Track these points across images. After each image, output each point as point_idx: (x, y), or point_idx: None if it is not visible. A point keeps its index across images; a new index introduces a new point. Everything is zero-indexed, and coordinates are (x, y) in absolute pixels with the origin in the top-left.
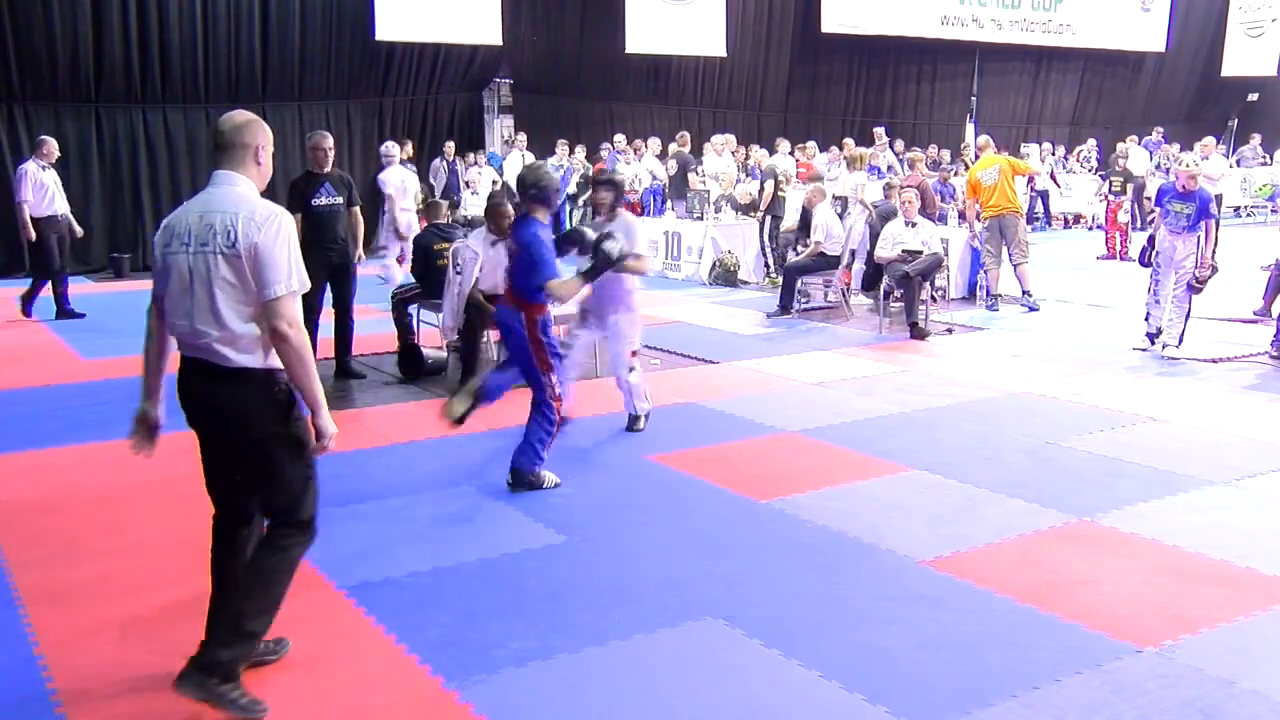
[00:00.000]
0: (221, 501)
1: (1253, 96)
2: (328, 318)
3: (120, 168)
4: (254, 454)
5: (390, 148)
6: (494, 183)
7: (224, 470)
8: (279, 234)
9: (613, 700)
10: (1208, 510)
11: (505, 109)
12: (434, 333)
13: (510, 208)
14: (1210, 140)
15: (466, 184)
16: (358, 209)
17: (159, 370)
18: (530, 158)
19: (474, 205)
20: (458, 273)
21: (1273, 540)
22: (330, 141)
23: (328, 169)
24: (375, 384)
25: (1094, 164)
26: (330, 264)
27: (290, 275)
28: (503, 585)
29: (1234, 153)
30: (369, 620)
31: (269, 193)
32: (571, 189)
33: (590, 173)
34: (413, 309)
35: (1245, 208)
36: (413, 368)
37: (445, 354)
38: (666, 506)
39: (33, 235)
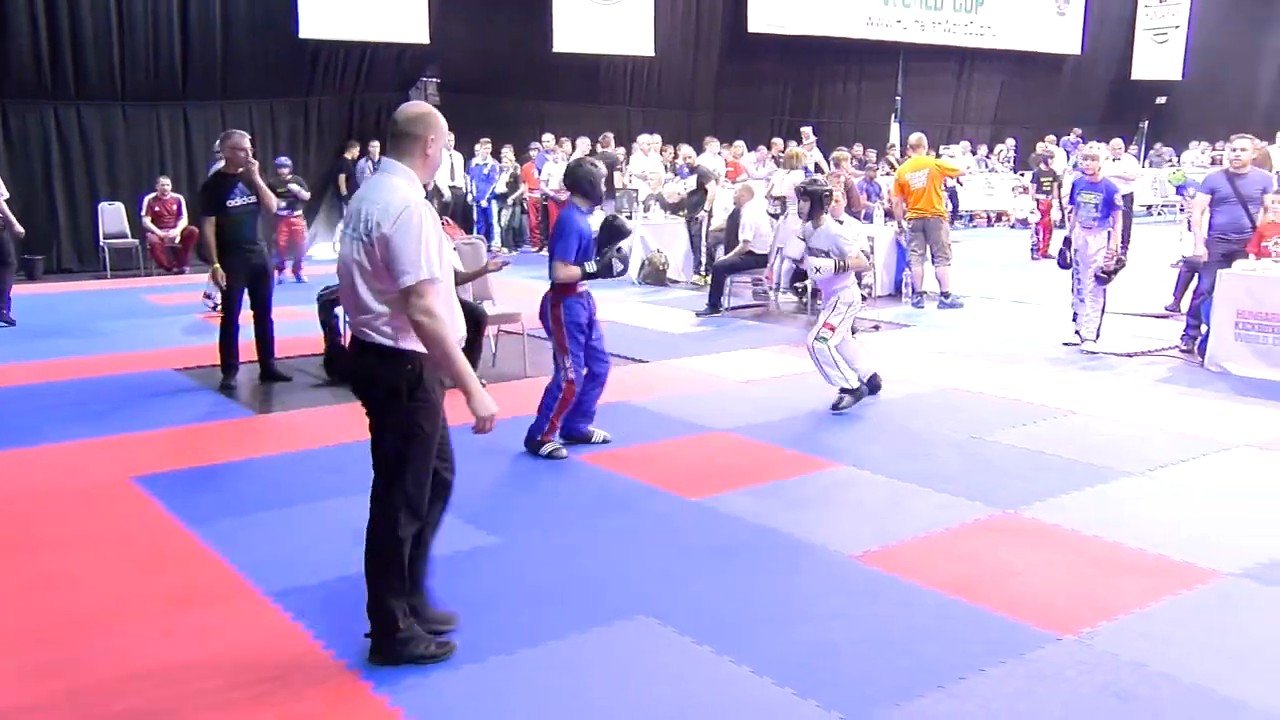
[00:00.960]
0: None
1: (1161, 100)
2: (247, 320)
3: (31, 166)
4: (376, 423)
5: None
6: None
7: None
8: (408, 225)
9: (545, 701)
10: (1124, 501)
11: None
12: None
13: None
14: (1118, 142)
15: None
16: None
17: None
18: (459, 158)
19: None
20: None
21: (1183, 529)
22: (248, 141)
23: (240, 169)
24: (302, 386)
25: (1012, 163)
26: (249, 266)
27: (420, 265)
28: (436, 588)
29: (1146, 153)
30: (296, 626)
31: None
32: (500, 188)
33: (518, 172)
34: (339, 310)
35: (1156, 206)
36: (340, 370)
37: None
38: (597, 506)
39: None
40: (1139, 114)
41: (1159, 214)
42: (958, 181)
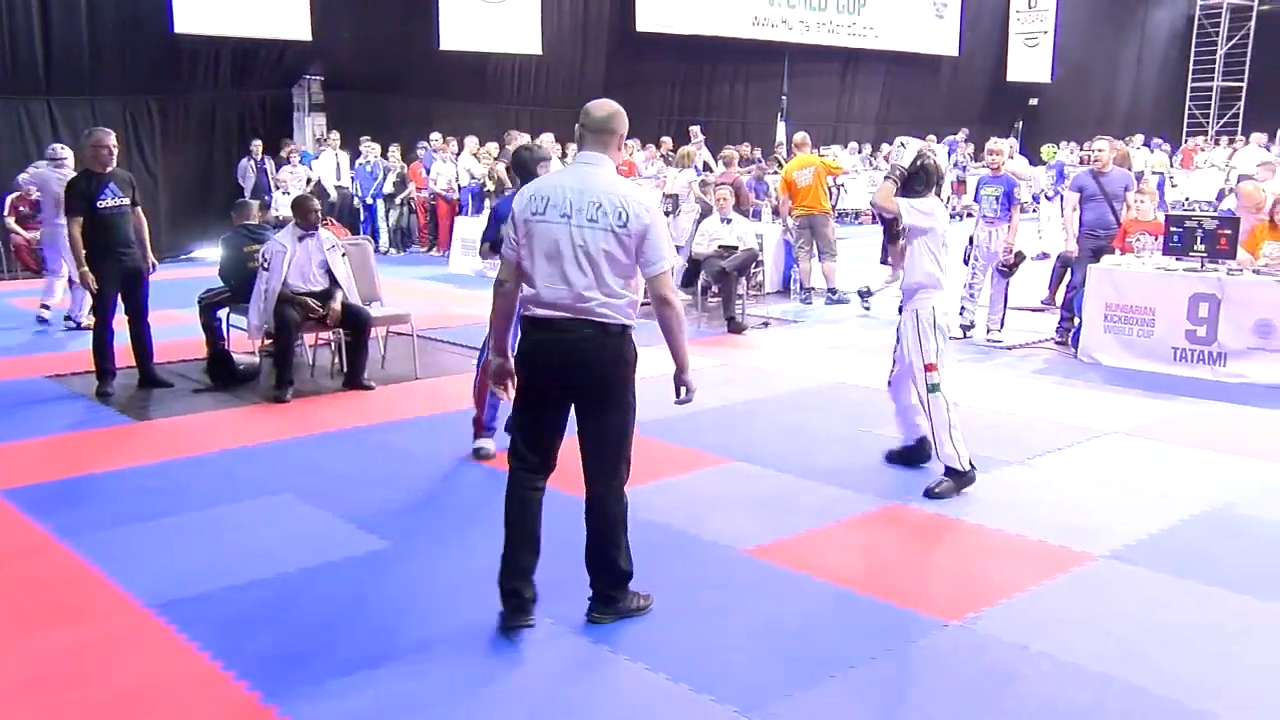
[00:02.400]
0: (538, 455)
1: (1033, 101)
2: (121, 325)
3: None
4: (606, 401)
5: (59, 149)
6: (307, 181)
7: (557, 421)
8: (659, 217)
9: (443, 705)
10: (1005, 489)
11: (317, 107)
12: (245, 338)
13: (318, 203)
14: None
15: (277, 184)
16: (140, 209)
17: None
18: (344, 157)
19: (286, 206)
20: (266, 269)
21: (1059, 514)
22: (113, 139)
23: (110, 168)
24: (184, 392)
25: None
26: (123, 269)
27: (671, 252)
28: (326, 594)
29: (1022, 152)
30: (180, 639)
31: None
32: (387, 188)
33: (405, 172)
34: (221, 313)
35: (1028, 204)
36: (223, 374)
37: (257, 359)
38: (488, 507)
39: None
40: (1013, 114)
41: (1032, 211)
42: (836, 183)
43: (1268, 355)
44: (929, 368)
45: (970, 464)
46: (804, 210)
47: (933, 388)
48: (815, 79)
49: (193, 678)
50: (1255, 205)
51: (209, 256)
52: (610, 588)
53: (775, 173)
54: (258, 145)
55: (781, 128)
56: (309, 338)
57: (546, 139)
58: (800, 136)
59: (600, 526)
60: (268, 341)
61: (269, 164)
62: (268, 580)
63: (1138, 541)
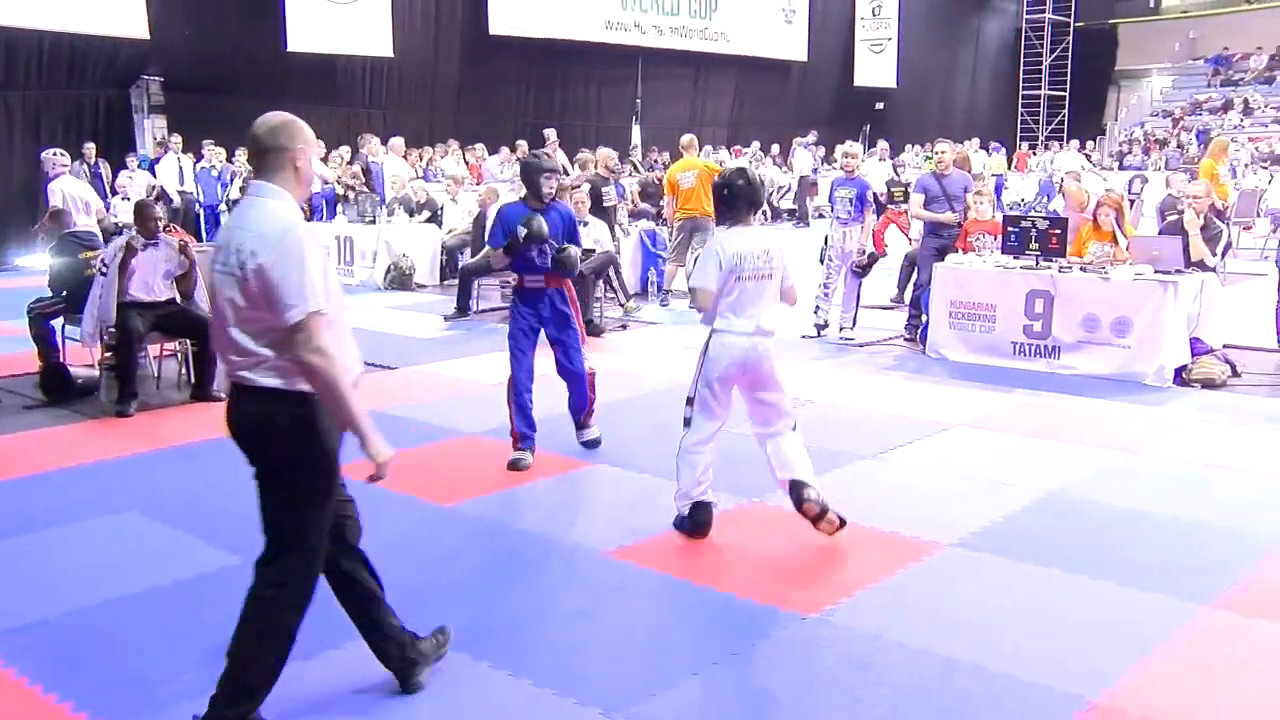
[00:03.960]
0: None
1: (879, 105)
2: None
3: None
4: (266, 479)
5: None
6: (151, 188)
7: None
8: (288, 252)
9: None
10: (859, 483)
11: (157, 108)
12: (82, 350)
13: (160, 210)
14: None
15: (114, 189)
16: None
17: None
18: (187, 161)
19: (125, 212)
20: (104, 275)
21: (909, 506)
22: None
23: None
24: (13, 409)
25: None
26: None
27: (306, 297)
28: (175, 615)
29: (868, 155)
30: (8, 673)
31: None
32: (234, 194)
33: (251, 176)
34: (55, 323)
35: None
36: (58, 388)
37: (97, 372)
38: None
39: None
40: (861, 118)
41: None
42: None
43: (1094, 348)
44: (688, 400)
45: (687, 518)
46: (686, 213)
47: (685, 419)
48: (668, 83)
49: (21, 714)
50: (1079, 205)
51: (35, 265)
52: (223, 698)
53: (630, 175)
54: (90, 148)
55: (636, 131)
56: (153, 348)
57: (396, 143)
58: (687, 139)
59: (246, 608)
60: (108, 354)
61: (104, 168)
62: (111, 602)
63: (982, 529)
